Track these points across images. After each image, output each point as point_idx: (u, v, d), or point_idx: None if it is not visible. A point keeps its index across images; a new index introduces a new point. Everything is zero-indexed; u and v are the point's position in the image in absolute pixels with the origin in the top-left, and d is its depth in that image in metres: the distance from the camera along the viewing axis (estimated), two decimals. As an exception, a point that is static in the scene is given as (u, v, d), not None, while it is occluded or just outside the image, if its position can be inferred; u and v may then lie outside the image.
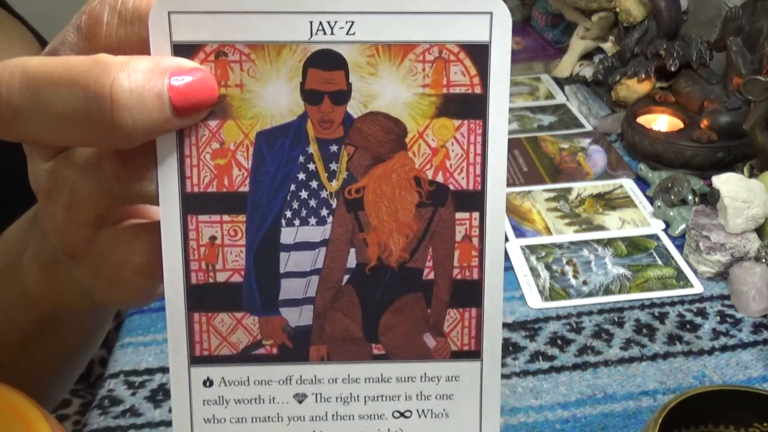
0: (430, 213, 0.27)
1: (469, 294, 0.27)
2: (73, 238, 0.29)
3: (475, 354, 0.28)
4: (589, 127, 0.96)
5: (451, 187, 0.27)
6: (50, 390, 0.48)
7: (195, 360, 0.27)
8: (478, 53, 0.25)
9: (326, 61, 0.25)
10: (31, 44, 0.74)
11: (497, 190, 0.27)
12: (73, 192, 0.28)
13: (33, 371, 0.43)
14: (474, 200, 0.27)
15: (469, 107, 0.26)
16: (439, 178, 0.27)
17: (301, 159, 0.26)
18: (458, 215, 0.27)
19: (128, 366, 0.62)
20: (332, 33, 0.25)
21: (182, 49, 0.25)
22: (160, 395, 0.60)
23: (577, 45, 1.08)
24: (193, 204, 0.26)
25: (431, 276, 0.27)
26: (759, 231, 0.69)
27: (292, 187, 0.26)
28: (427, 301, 0.28)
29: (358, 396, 0.28)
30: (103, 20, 0.25)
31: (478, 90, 0.26)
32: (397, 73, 0.26)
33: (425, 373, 0.28)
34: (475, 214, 0.27)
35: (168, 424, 0.57)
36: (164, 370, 0.62)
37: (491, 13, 0.25)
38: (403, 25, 0.25)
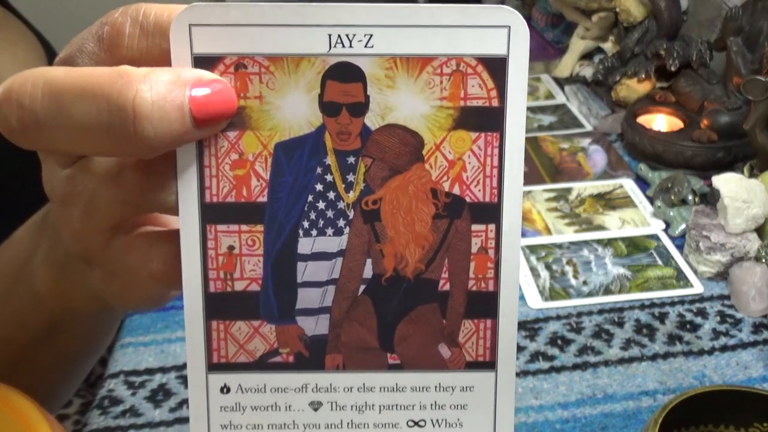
0: (447, 225, 0.27)
1: (485, 305, 0.28)
2: (89, 243, 0.29)
3: (489, 365, 0.28)
4: (589, 127, 0.96)
5: (468, 199, 0.27)
6: (57, 391, 0.48)
7: (212, 367, 0.28)
8: (496, 66, 0.26)
9: (344, 73, 0.25)
10: (34, 45, 0.74)
11: (514, 203, 0.27)
12: (92, 200, 0.28)
13: (41, 373, 0.43)
14: (490, 212, 0.27)
15: (486, 120, 0.26)
16: (456, 191, 0.27)
17: (319, 170, 0.26)
18: (474, 227, 0.27)
19: (128, 366, 0.62)
20: (351, 46, 0.25)
21: (203, 61, 0.25)
22: (160, 395, 0.60)
23: (577, 45, 1.08)
24: (211, 214, 0.27)
25: (447, 287, 0.28)
26: (759, 231, 0.69)
27: (310, 198, 0.27)
28: (443, 311, 0.28)
29: (373, 405, 0.28)
30: (125, 32, 0.26)
31: (495, 103, 0.26)
32: (415, 85, 0.26)
33: (440, 383, 0.28)
34: (491, 227, 0.27)
35: (168, 424, 0.57)
36: (164, 370, 0.62)
37: (509, 26, 0.25)
38: (421, 38, 0.25)
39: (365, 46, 0.25)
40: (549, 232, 0.76)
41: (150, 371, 0.62)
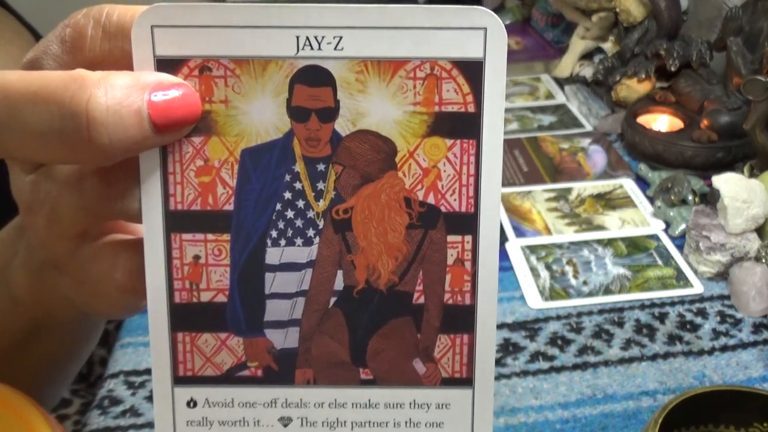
0: (421, 235, 0.26)
1: (461, 319, 0.27)
2: (55, 250, 0.28)
3: (466, 381, 0.27)
4: (589, 127, 0.96)
5: (443, 208, 0.26)
6: (40, 397, 0.48)
7: (178, 380, 0.27)
8: (472, 70, 0.25)
9: (313, 77, 0.25)
10: (28, 41, 0.73)
11: (491, 213, 0.26)
12: (54, 207, 0.27)
13: (23, 377, 0.43)
14: (466, 223, 0.26)
15: (461, 126, 0.25)
16: (431, 200, 0.26)
17: (287, 178, 0.26)
18: (450, 238, 0.26)
19: (128, 366, 0.62)
20: (320, 48, 0.24)
21: (165, 64, 0.24)
22: (160, 395, 0.59)
23: (577, 45, 1.08)
24: (176, 222, 0.26)
25: (421, 300, 0.27)
26: (759, 231, 0.69)
27: (278, 207, 0.26)
28: (417, 325, 0.27)
29: (345, 421, 0.27)
30: (87, 34, 0.25)
31: (471, 108, 0.25)
32: (387, 90, 0.25)
33: (414, 400, 0.27)
34: (468, 237, 0.26)
35: (168, 424, 0.57)
36: (164, 370, 0.62)
37: (485, 28, 0.24)
38: (393, 41, 0.24)
39: (335, 49, 0.24)
40: (549, 232, 0.76)
41: (150, 371, 0.62)
